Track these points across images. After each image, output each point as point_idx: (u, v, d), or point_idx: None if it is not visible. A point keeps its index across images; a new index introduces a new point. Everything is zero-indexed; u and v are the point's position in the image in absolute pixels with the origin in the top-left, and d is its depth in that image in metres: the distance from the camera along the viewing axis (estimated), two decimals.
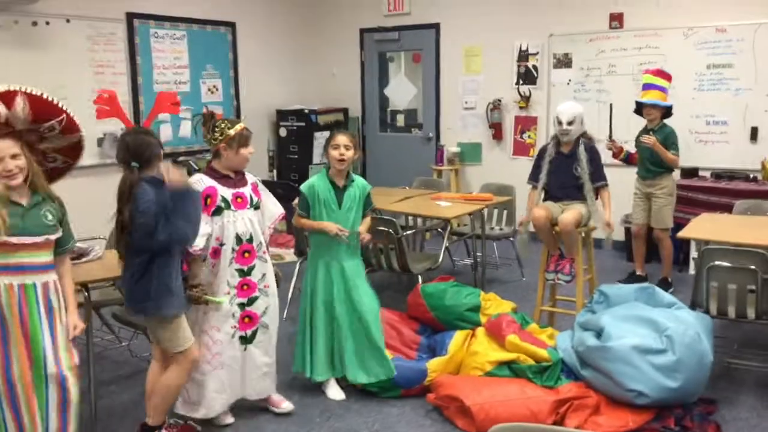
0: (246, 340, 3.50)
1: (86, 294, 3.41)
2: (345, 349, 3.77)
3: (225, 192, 3.38)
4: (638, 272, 5.81)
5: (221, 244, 3.37)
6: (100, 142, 6.29)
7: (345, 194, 3.78)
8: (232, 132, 3.37)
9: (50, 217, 2.75)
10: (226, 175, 3.42)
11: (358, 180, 3.89)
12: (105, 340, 4.44)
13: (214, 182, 3.37)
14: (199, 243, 3.26)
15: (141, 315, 3.17)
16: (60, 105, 2.75)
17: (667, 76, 5.46)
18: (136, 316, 3.22)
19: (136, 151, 3.03)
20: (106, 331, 4.44)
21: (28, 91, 2.68)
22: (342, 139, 3.73)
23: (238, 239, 3.40)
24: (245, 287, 3.46)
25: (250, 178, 3.54)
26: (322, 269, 3.81)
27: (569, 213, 4.36)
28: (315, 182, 3.79)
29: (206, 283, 3.37)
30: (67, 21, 6.05)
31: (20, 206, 2.69)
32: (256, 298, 3.49)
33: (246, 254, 3.44)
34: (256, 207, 3.49)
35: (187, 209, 3.00)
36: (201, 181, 3.37)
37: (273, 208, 3.62)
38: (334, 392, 3.82)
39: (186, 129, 6.97)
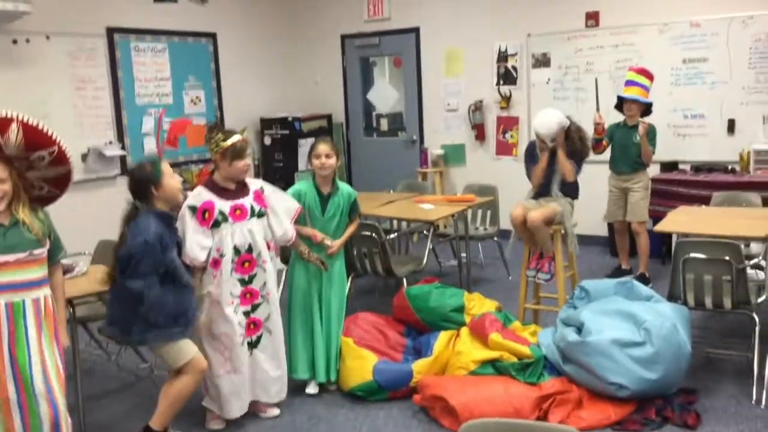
0: (252, 345, 3.59)
1: (71, 309, 3.45)
2: (316, 351, 3.91)
3: (223, 205, 3.44)
4: (623, 266, 5.89)
5: (221, 255, 3.45)
6: (84, 157, 6.32)
7: (330, 202, 3.91)
8: (225, 144, 3.43)
9: (33, 231, 2.75)
10: (225, 187, 3.49)
11: (344, 188, 3.99)
12: (93, 355, 4.47)
13: (212, 195, 3.44)
14: (200, 256, 3.37)
15: (142, 344, 3.24)
16: (53, 136, 2.76)
17: (650, 76, 5.55)
18: (133, 344, 3.27)
19: (134, 189, 3.20)
20: (94, 346, 4.48)
21: (25, 119, 2.70)
22: (323, 148, 3.84)
23: (236, 251, 3.47)
24: (248, 295, 3.54)
25: (253, 185, 3.60)
26: (303, 272, 3.94)
27: (539, 210, 4.40)
28: (301, 188, 3.92)
29: (211, 294, 3.48)
30: (47, 38, 6.08)
31: (1, 226, 2.71)
32: (259, 305, 3.58)
33: (246, 264, 3.51)
34: (260, 215, 3.54)
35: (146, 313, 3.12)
36: (199, 195, 3.45)
37: (288, 204, 3.70)
38: (312, 387, 3.97)
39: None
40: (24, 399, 2.71)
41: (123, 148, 6.62)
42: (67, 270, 3.74)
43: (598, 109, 5.63)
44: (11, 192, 2.72)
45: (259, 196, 3.57)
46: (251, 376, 3.60)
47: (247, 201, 3.52)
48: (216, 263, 3.44)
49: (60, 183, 2.92)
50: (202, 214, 3.40)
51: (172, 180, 3.24)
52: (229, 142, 3.43)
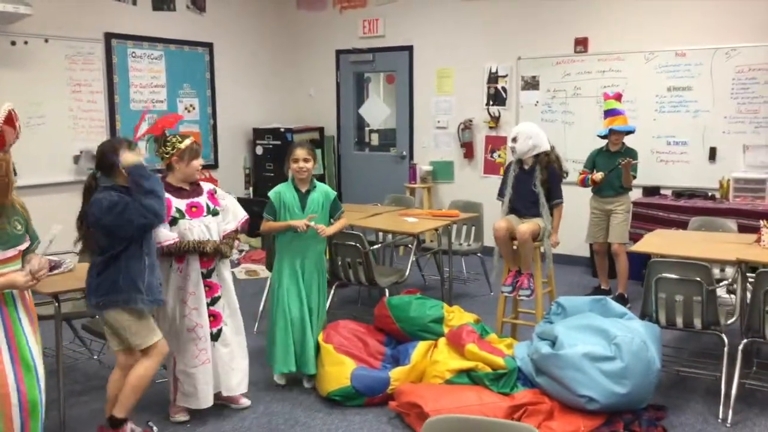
0: (213, 337, 3.73)
1: (57, 305, 3.52)
2: (297, 345, 4.05)
3: (179, 203, 3.60)
4: (603, 287, 6.01)
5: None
6: (76, 159, 6.40)
7: (308, 198, 4.10)
8: (182, 145, 3.60)
9: (19, 227, 2.79)
10: (180, 187, 3.65)
11: (321, 186, 4.19)
12: (77, 352, 4.52)
13: (168, 195, 3.56)
14: (170, 235, 3.52)
15: (106, 308, 3.25)
16: None
17: (621, 97, 5.73)
18: (100, 311, 3.29)
19: (99, 159, 3.28)
20: (78, 344, 4.53)
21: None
22: (300, 152, 4.04)
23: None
24: (207, 288, 3.69)
25: (205, 186, 3.77)
26: (287, 268, 4.10)
27: (527, 224, 4.54)
28: (280, 189, 4.12)
29: (178, 288, 3.61)
30: (46, 41, 6.18)
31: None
32: (219, 297, 3.74)
33: (205, 258, 3.66)
34: (214, 213, 3.71)
35: (150, 185, 3.19)
36: None
37: (237, 211, 3.85)
38: (307, 381, 4.13)
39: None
40: (23, 386, 2.72)
41: None
42: (54, 266, 3.81)
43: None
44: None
45: (212, 195, 3.75)
46: (215, 368, 3.73)
47: (202, 199, 3.69)
48: (180, 258, 3.60)
49: None
50: None
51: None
52: (187, 142, 3.63)
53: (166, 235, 3.50)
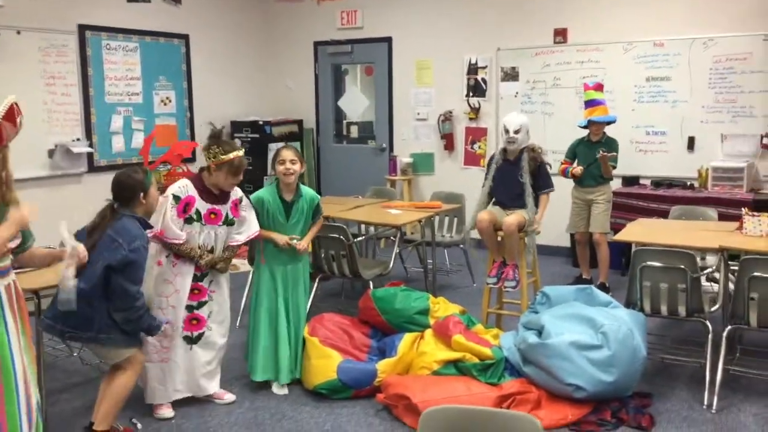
0: (191, 341, 3.67)
1: (37, 301, 3.44)
2: (280, 352, 3.96)
3: (201, 206, 3.56)
4: (584, 276, 6.04)
5: None
6: (51, 153, 6.27)
7: (293, 208, 3.99)
8: (225, 158, 3.52)
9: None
10: (209, 190, 3.59)
11: (307, 193, 4.07)
12: (56, 349, 4.43)
13: (195, 193, 3.54)
14: (179, 235, 3.49)
15: (104, 345, 3.20)
16: None
17: (602, 87, 5.74)
18: (95, 344, 3.22)
19: (117, 191, 3.22)
20: (57, 340, 4.43)
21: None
22: (287, 154, 3.93)
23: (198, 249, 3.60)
24: (195, 291, 3.64)
25: (233, 195, 3.69)
26: (267, 275, 4.00)
27: (512, 216, 4.54)
28: (263, 195, 3.99)
29: (165, 280, 3.57)
30: (18, 33, 6.04)
31: None
32: (205, 302, 3.69)
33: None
34: (230, 224, 3.67)
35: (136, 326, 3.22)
36: (185, 188, 3.56)
37: (252, 224, 3.79)
38: (278, 388, 4.00)
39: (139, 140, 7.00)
40: (1, 387, 2.65)
41: (90, 145, 6.59)
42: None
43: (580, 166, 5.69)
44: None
45: (235, 206, 3.69)
46: (189, 370, 3.67)
47: (224, 208, 3.64)
48: (178, 254, 3.56)
49: None
50: (183, 206, 3.51)
51: (156, 192, 3.32)
52: (231, 156, 3.53)
53: (174, 233, 3.47)
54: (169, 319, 3.51)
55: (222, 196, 3.63)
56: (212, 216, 3.60)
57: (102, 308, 3.11)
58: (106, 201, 3.24)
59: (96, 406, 3.35)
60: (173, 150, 3.41)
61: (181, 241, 3.50)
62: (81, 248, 2.84)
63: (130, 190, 3.19)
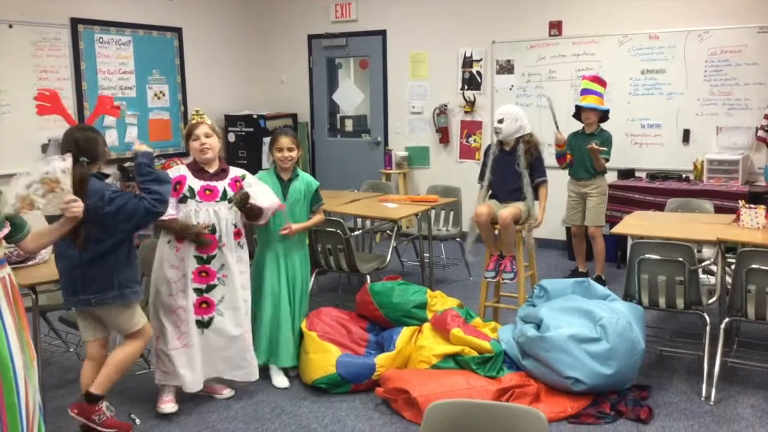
0: (203, 325, 3.64)
1: (34, 297, 3.42)
2: (283, 335, 3.97)
3: (194, 183, 3.57)
4: (580, 269, 6.04)
5: None
6: (44, 147, 6.22)
7: (290, 187, 4.01)
8: (185, 129, 3.64)
9: None
10: (201, 168, 3.61)
11: (303, 175, 4.10)
12: (53, 345, 4.41)
13: (187, 172, 3.57)
14: (173, 212, 3.49)
15: (97, 306, 3.19)
16: None
17: (603, 83, 5.70)
18: (89, 308, 3.20)
19: (84, 146, 3.11)
20: (53, 336, 4.42)
21: None
22: (285, 141, 3.94)
23: None
24: (203, 274, 3.61)
25: (234, 173, 3.69)
26: (267, 259, 4.01)
27: (508, 208, 4.54)
28: (262, 176, 4.01)
29: (172, 266, 3.56)
30: (10, 26, 5.99)
31: None
32: (214, 286, 3.64)
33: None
34: (230, 201, 3.62)
35: (158, 173, 3.21)
36: (177, 170, 3.61)
37: (272, 196, 3.76)
38: (279, 380, 3.99)
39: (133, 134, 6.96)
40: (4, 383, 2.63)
41: None
42: (28, 257, 3.70)
43: (557, 128, 5.59)
44: None
45: (235, 182, 3.66)
46: (206, 354, 3.65)
47: (221, 184, 3.62)
48: (180, 238, 3.54)
49: None
50: (174, 185, 3.50)
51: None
52: (190, 125, 3.66)
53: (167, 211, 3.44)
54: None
55: (218, 174, 3.63)
56: (207, 192, 3.57)
57: (118, 264, 3.15)
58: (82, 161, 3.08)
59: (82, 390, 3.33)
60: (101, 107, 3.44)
61: (172, 216, 3.49)
62: (79, 204, 2.87)
63: (94, 144, 3.14)
